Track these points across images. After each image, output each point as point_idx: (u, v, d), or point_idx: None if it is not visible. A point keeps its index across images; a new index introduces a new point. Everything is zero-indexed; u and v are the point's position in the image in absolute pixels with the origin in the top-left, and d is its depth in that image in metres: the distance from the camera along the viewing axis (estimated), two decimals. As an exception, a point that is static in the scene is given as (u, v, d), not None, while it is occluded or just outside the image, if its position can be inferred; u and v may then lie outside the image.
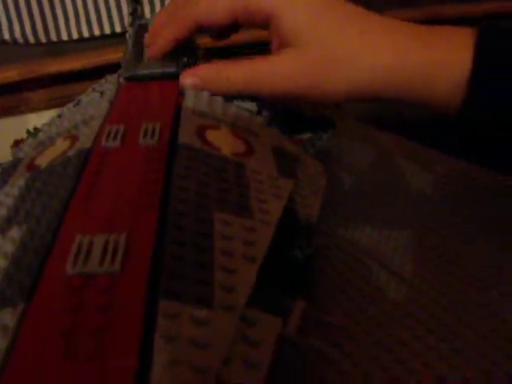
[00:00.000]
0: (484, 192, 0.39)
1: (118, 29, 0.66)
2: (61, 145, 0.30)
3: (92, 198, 0.22)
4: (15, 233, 0.23)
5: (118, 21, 0.66)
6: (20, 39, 0.65)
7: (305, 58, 0.33)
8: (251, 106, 0.36)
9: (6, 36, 0.64)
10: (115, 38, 0.66)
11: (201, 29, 0.37)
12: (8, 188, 0.29)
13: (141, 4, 0.62)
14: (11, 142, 0.45)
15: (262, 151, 0.30)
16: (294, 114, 0.42)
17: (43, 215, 0.23)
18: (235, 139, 0.29)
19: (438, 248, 0.33)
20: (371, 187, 0.41)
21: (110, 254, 0.18)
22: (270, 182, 0.27)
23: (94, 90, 0.44)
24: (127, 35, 0.50)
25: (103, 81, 0.47)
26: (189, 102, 0.32)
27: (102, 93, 0.42)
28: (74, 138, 0.30)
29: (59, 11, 0.65)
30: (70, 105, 0.43)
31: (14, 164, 0.32)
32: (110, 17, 0.66)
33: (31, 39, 0.65)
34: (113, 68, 0.56)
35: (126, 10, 0.66)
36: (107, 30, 0.66)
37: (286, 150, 0.32)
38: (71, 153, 0.27)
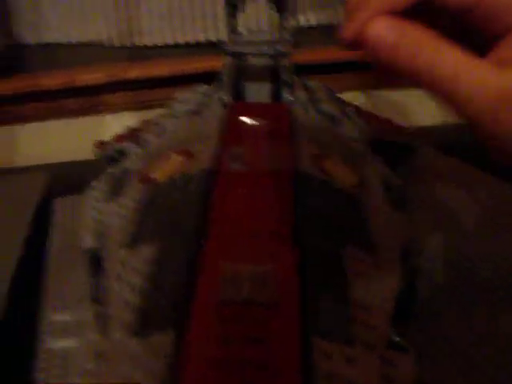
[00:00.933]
0: None
1: (200, 38, 0.68)
2: (175, 160, 0.31)
3: (227, 223, 0.23)
4: (147, 251, 0.24)
5: (200, 31, 0.67)
6: (106, 41, 0.67)
7: None
8: (353, 132, 0.36)
9: (93, 37, 0.66)
10: (199, 47, 0.68)
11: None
12: (122, 199, 0.30)
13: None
14: (87, 139, 0.46)
15: (373, 183, 0.30)
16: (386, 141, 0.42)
17: (175, 235, 0.24)
18: (347, 169, 0.30)
19: None
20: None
21: (260, 286, 0.19)
22: (385, 216, 0.27)
23: (186, 100, 0.45)
24: None
25: (190, 91, 0.47)
26: (302, 128, 0.32)
27: (198, 105, 0.42)
28: (188, 154, 0.30)
29: (145, 15, 0.66)
30: (165, 114, 0.44)
31: (124, 173, 0.33)
32: (193, 26, 0.67)
33: (116, 42, 0.67)
34: (193, 77, 0.57)
35: (209, 21, 0.67)
36: (190, 39, 0.68)
37: (392, 182, 0.32)
38: (193, 171, 0.28)
